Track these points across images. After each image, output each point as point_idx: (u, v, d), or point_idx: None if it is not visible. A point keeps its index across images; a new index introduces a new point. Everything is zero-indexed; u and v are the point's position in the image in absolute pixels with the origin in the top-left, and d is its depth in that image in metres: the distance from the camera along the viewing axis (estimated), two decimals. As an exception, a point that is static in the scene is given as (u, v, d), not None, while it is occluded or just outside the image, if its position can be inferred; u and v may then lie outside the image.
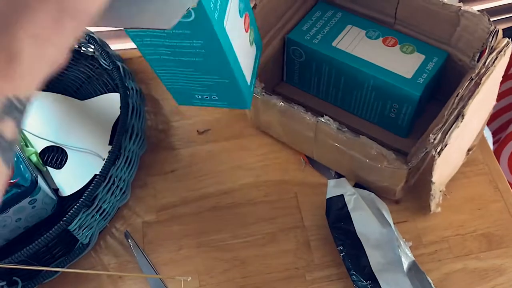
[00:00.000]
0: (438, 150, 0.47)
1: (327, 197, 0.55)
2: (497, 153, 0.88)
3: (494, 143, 0.89)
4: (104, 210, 0.54)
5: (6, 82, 0.22)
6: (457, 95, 0.48)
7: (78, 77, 0.67)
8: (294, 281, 0.53)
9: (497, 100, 0.87)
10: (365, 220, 0.53)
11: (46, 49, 0.23)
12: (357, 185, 0.57)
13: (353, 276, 0.51)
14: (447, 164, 0.52)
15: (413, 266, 0.51)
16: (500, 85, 0.86)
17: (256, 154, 0.62)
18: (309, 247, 0.55)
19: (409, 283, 0.50)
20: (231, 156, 0.62)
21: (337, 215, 0.54)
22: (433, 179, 0.50)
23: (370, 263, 0.51)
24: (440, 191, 0.53)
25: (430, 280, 0.50)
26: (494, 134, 0.89)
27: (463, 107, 0.48)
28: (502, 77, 0.85)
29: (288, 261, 0.54)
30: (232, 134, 0.63)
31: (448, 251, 0.54)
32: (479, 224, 0.55)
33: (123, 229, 0.57)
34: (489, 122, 0.89)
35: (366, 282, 0.51)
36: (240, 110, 0.64)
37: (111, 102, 0.63)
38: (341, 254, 0.52)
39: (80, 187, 0.57)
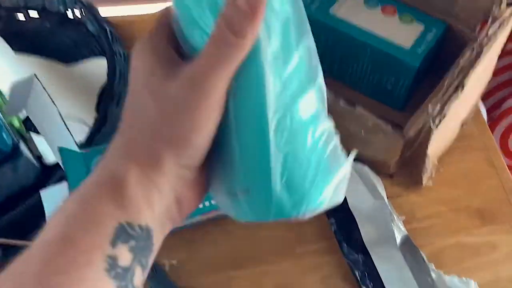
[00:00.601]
0: (436, 122, 0.46)
1: (319, 170, 0.53)
2: (491, 129, 0.87)
3: (488, 120, 0.88)
4: (89, 178, 0.52)
5: (117, 209, 0.24)
6: (457, 66, 0.47)
7: (64, 42, 0.64)
8: (284, 254, 0.51)
9: (493, 76, 0.86)
10: (358, 193, 0.52)
11: (152, 182, 0.26)
12: (350, 158, 0.56)
13: (344, 249, 0.50)
14: (443, 137, 0.50)
15: (406, 241, 0.50)
16: (497, 63, 0.85)
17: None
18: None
19: (402, 257, 0.49)
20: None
21: (330, 188, 0.52)
22: (428, 153, 0.48)
23: (362, 237, 0.50)
24: (434, 165, 0.52)
25: (423, 255, 0.49)
26: (489, 111, 0.88)
27: (464, 77, 0.46)
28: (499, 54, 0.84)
29: (279, 234, 0.52)
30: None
31: (441, 226, 0.53)
32: (473, 199, 0.54)
33: (109, 199, 0.55)
34: (483, 99, 0.88)
35: (357, 255, 0.50)
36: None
37: (98, 67, 0.60)
38: (333, 227, 0.51)
39: (65, 156, 0.55)
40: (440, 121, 0.46)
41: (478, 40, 0.47)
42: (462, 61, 0.47)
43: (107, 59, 0.56)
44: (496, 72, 0.85)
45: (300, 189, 0.27)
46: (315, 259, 0.51)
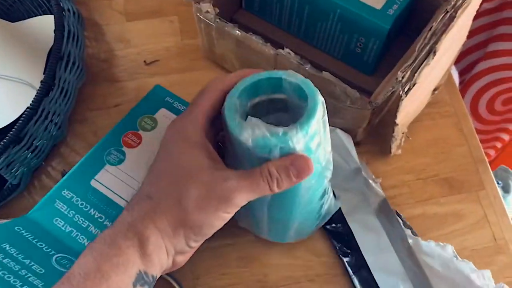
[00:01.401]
0: (405, 89, 0.43)
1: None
2: (462, 94, 0.86)
3: (459, 84, 0.87)
4: (36, 147, 0.48)
5: (140, 259, 0.32)
6: (429, 29, 0.44)
7: (7, -4, 0.58)
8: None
9: (466, 38, 0.84)
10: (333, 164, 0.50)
11: (166, 247, 0.34)
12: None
13: None
14: (413, 104, 0.48)
15: (384, 205, 0.49)
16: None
17: (210, 89, 0.57)
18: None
19: (379, 224, 0.49)
20: (182, 90, 0.55)
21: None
22: (397, 121, 0.46)
23: (340, 207, 0.49)
24: (403, 133, 0.50)
25: (400, 220, 0.48)
26: (460, 74, 0.86)
27: (436, 42, 0.44)
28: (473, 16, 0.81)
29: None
30: (183, 67, 0.57)
31: (409, 195, 0.52)
32: (442, 168, 0.53)
33: (60, 168, 0.51)
34: (456, 61, 0.86)
35: (336, 225, 0.49)
36: (191, 40, 0.58)
37: (45, 25, 0.55)
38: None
39: (11, 121, 0.51)
40: (410, 88, 0.43)
41: (452, 2, 0.44)
42: (435, 24, 0.44)
43: (54, 16, 0.51)
44: (469, 34, 0.83)
45: (304, 234, 0.46)
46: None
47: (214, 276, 0.47)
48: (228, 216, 0.34)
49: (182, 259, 0.37)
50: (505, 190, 0.64)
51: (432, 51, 0.43)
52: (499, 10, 0.77)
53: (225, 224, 0.35)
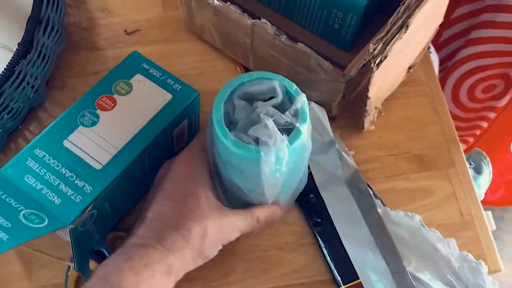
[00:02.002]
0: (377, 61, 0.44)
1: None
2: (443, 81, 0.87)
3: (440, 71, 0.88)
4: (13, 109, 0.49)
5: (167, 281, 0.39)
6: (403, 4, 0.45)
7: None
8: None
9: (448, 26, 0.85)
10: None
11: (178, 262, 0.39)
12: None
13: None
14: (385, 78, 0.49)
15: (355, 176, 0.50)
16: (454, 10, 0.83)
17: (190, 61, 0.57)
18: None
19: (350, 194, 0.50)
20: (162, 61, 0.55)
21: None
22: (369, 94, 0.47)
23: (314, 178, 0.50)
24: (376, 108, 0.51)
25: (370, 191, 0.50)
26: (442, 62, 0.87)
27: (408, 17, 0.44)
28: (456, 2, 0.82)
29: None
30: (164, 37, 0.58)
31: (380, 170, 0.53)
32: (414, 145, 0.54)
33: (37, 132, 0.52)
34: (438, 50, 0.87)
35: (309, 196, 0.50)
36: (173, 11, 0.59)
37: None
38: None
39: (-11, 84, 0.51)
40: (381, 61, 0.44)
41: (427, -23, 0.45)
42: (409, 0, 0.45)
43: (34, -21, 0.51)
44: (452, 22, 0.84)
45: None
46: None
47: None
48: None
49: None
50: (477, 171, 0.66)
51: (404, 25, 0.44)
52: (483, -2, 0.78)
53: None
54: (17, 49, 0.47)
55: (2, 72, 0.46)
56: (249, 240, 0.48)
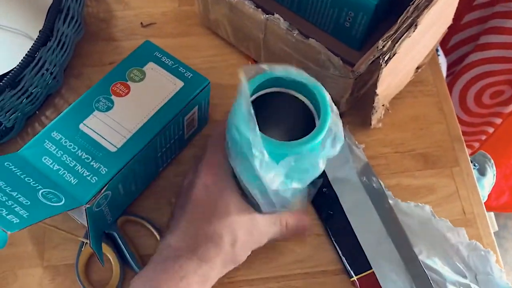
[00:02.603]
0: (385, 58, 0.45)
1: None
2: (450, 85, 0.88)
3: (448, 75, 0.89)
4: (31, 93, 0.50)
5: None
6: (413, 3, 0.46)
7: (13, -48, 0.60)
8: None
9: (457, 31, 0.86)
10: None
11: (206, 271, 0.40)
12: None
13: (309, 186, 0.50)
14: (394, 76, 0.50)
15: (366, 169, 0.52)
16: (463, 16, 0.85)
17: (203, 55, 0.59)
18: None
19: (362, 187, 0.51)
20: (176, 54, 0.57)
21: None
22: (378, 91, 0.48)
23: (326, 173, 0.52)
24: (383, 105, 0.52)
25: (381, 183, 0.51)
26: (450, 66, 0.88)
27: (418, 16, 0.46)
28: (466, 8, 0.83)
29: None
30: (179, 31, 0.59)
31: (385, 167, 0.54)
32: (419, 143, 0.55)
33: (53, 118, 0.53)
34: (446, 54, 0.88)
35: (322, 189, 0.51)
36: (189, 6, 0.60)
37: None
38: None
39: (8, 70, 0.53)
40: (390, 57, 0.45)
41: (437, -21, 0.46)
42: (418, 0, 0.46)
43: (56, -29, 0.53)
44: (461, 27, 0.85)
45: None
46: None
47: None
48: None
49: None
50: (481, 173, 0.67)
51: (413, 24, 0.45)
52: (492, 4, 0.79)
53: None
54: (38, 36, 0.49)
55: (23, 58, 0.48)
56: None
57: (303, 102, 0.39)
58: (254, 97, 0.38)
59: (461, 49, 0.87)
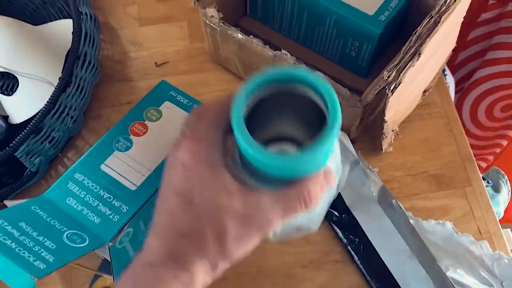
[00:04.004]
0: (391, 88, 0.47)
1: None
2: (460, 100, 0.88)
3: (458, 91, 0.90)
4: (54, 138, 0.53)
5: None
6: (415, 33, 0.48)
7: (31, 1, 0.64)
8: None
9: (464, 48, 0.87)
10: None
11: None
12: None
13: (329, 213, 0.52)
14: (401, 103, 0.52)
15: (383, 192, 0.53)
16: (469, 33, 0.86)
17: (215, 90, 0.61)
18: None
19: (381, 210, 0.52)
20: (189, 90, 0.60)
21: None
22: (386, 118, 0.50)
23: (344, 200, 0.53)
24: (393, 131, 0.54)
25: (400, 204, 0.52)
26: (459, 83, 0.89)
27: (420, 45, 0.47)
28: (471, 24, 0.84)
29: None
30: (191, 68, 0.62)
31: (398, 190, 0.55)
32: (430, 165, 0.56)
33: (75, 159, 0.56)
34: (454, 71, 0.89)
35: (341, 215, 0.52)
36: (199, 44, 0.63)
37: (65, 28, 0.60)
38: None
39: (31, 115, 0.56)
40: (395, 87, 0.46)
41: (437, 8, 0.48)
42: (420, 29, 0.47)
43: (72, 20, 0.55)
44: (467, 44, 0.86)
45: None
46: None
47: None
48: (260, 240, 0.32)
49: None
50: (495, 189, 0.67)
51: (417, 53, 0.47)
52: (497, 20, 0.81)
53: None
54: (58, 83, 0.52)
55: (45, 105, 0.51)
56: (276, 259, 0.51)
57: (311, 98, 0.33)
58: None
59: (468, 65, 0.88)
